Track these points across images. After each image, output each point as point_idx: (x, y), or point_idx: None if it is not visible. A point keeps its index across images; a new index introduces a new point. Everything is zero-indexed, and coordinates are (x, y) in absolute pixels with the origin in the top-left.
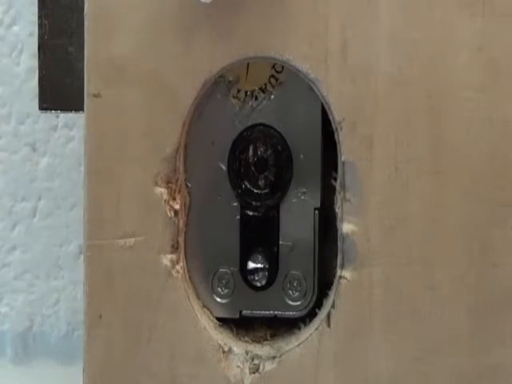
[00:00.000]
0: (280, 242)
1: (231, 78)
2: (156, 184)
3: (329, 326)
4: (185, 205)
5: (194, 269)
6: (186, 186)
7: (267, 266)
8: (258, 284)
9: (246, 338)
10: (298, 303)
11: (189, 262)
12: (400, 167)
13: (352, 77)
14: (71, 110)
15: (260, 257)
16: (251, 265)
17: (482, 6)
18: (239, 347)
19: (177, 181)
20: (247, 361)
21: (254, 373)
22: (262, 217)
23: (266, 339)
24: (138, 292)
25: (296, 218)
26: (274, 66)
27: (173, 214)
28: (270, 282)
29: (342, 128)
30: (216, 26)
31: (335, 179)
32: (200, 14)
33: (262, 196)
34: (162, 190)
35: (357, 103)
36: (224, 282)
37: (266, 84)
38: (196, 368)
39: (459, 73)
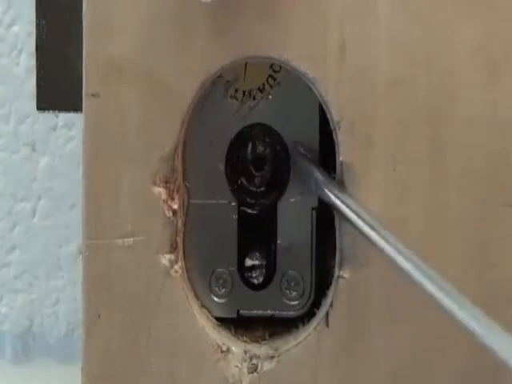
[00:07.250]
0: (277, 242)
1: (229, 78)
2: (154, 184)
3: (327, 325)
4: (183, 205)
5: (193, 268)
6: (185, 185)
7: (265, 263)
8: (256, 281)
9: (245, 338)
10: (296, 303)
11: (187, 261)
12: (399, 167)
13: (351, 76)
14: (69, 110)
15: (258, 254)
16: (249, 262)
17: (482, 5)
18: (238, 347)
19: (175, 180)
20: (245, 360)
21: (252, 372)
22: (260, 216)
23: (265, 339)
24: (136, 292)
25: (293, 218)
26: (271, 66)
27: (171, 213)
28: (268, 280)
29: (340, 128)
30: (215, 26)
31: (333, 179)
32: (199, 14)
33: (257, 194)
34: (160, 190)
35: (355, 103)
36: (221, 281)
37: (264, 84)
38: (195, 368)
39: (459, 73)
